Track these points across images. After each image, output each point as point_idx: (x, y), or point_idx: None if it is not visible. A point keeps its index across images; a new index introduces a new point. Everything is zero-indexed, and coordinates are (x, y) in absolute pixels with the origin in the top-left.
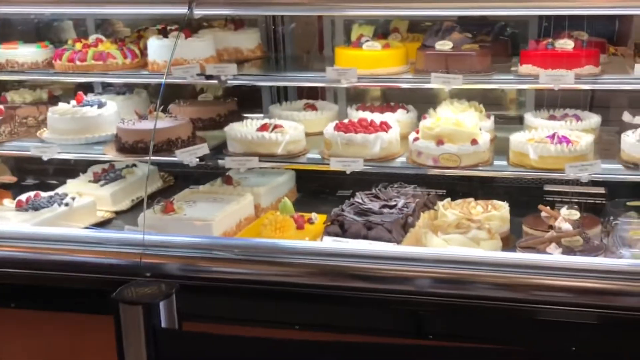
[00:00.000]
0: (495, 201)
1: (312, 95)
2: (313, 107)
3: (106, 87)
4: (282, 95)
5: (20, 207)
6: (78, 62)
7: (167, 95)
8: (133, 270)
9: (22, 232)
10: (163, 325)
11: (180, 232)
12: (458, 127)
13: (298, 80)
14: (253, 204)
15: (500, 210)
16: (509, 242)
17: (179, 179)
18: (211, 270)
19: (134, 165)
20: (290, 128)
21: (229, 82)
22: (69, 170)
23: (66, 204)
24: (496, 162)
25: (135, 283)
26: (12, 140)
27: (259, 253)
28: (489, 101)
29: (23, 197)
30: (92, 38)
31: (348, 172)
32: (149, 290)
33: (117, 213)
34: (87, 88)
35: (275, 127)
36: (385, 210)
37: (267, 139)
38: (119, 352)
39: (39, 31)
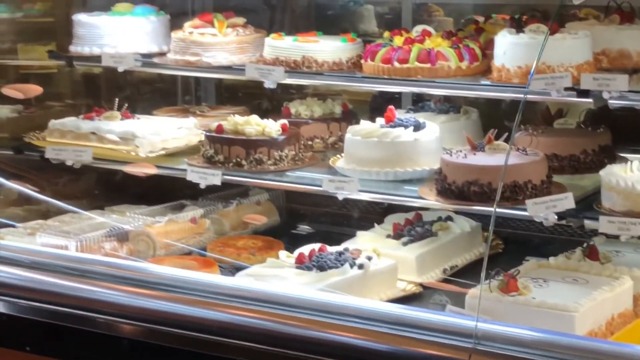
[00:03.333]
0: None
1: None
2: None
3: (418, 103)
4: None
5: (301, 263)
6: (397, 64)
7: (495, 117)
8: None
9: (309, 299)
10: None
11: (524, 323)
12: None
13: None
14: (632, 294)
15: None
16: None
17: (510, 243)
18: None
19: (449, 218)
20: None
21: (611, 101)
22: (362, 216)
23: (360, 266)
24: None
25: None
26: (296, 169)
27: None
28: None
29: (305, 249)
30: (417, 30)
31: None
32: None
33: (423, 286)
34: (389, 102)
35: None
36: None
37: None
38: None
39: (332, 19)
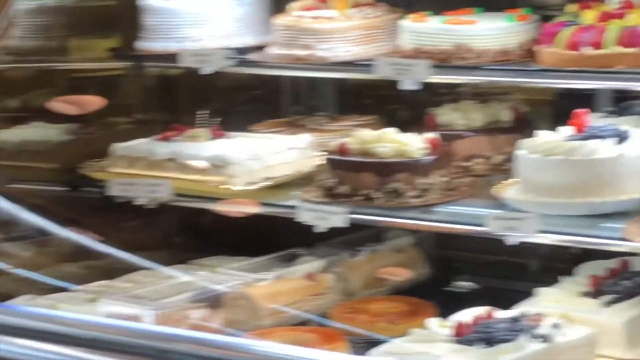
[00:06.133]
0: None
1: None
2: None
3: (621, 103)
4: None
5: (460, 335)
6: (588, 50)
7: None
8: None
9: None
10: None
11: None
12: None
13: None
14: None
15: None
16: None
17: None
18: None
19: None
20: None
21: None
22: (543, 266)
23: (543, 338)
24: None
25: None
26: (448, 203)
27: None
28: None
29: (465, 315)
30: (614, 1)
31: None
32: None
33: None
34: (578, 103)
35: None
36: None
37: None
38: None
39: None
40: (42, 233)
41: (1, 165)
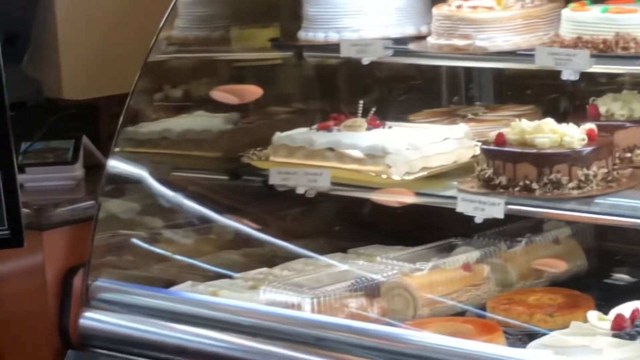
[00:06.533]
0: None
1: None
2: None
3: None
4: None
5: (619, 329)
6: None
7: None
8: None
9: None
10: None
11: None
12: None
13: None
14: None
15: None
16: None
17: None
18: None
19: None
20: None
21: None
22: None
23: None
24: None
25: None
26: (609, 194)
27: None
28: None
29: (625, 309)
30: None
31: None
32: None
33: None
34: None
35: None
36: None
37: None
38: None
39: None
40: (204, 220)
41: (165, 154)
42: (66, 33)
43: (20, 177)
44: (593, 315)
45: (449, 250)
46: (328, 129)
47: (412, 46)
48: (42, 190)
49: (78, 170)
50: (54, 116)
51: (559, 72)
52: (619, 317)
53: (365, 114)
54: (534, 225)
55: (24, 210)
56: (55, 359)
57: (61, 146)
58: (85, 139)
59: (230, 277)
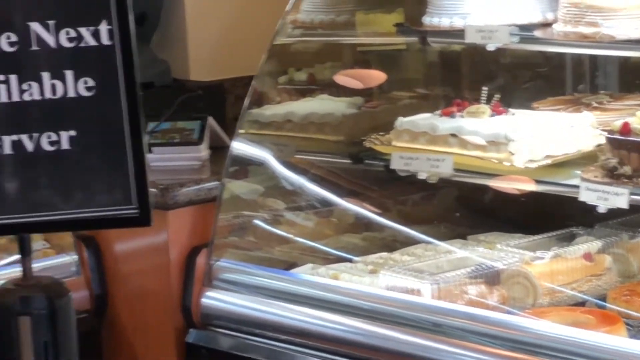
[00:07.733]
0: None
1: None
2: None
3: None
4: None
5: None
6: None
7: None
8: None
9: None
10: None
11: None
12: None
13: None
14: None
15: None
16: None
17: None
18: None
19: None
20: None
21: None
22: None
23: None
24: None
25: None
26: None
27: None
28: None
29: None
30: None
31: None
32: None
33: None
34: None
35: None
36: None
37: None
38: None
39: None
40: (325, 203)
41: (289, 137)
42: (194, 15)
43: (147, 157)
44: None
45: (569, 239)
46: (451, 115)
47: (537, 33)
48: (168, 170)
49: (203, 151)
50: (181, 97)
51: None
52: None
53: (488, 101)
54: None
55: (151, 190)
56: (178, 337)
57: (187, 127)
58: (210, 120)
59: (350, 260)
